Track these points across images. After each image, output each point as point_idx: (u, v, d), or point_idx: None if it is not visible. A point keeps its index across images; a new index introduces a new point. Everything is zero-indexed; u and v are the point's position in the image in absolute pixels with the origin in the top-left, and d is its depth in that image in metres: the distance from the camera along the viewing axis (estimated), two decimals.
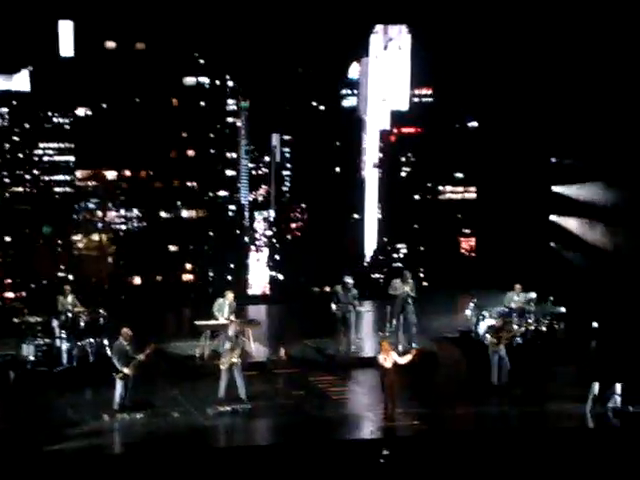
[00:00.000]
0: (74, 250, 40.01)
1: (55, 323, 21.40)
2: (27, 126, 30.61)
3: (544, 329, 24.07)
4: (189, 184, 31.76)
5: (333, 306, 22.97)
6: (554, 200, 30.10)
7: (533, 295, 24.20)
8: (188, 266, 31.72)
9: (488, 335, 21.40)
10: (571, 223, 29.51)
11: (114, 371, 18.45)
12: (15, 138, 30.76)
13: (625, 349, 20.53)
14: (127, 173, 31.63)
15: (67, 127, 30.67)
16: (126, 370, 18.29)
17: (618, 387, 19.03)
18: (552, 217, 30.21)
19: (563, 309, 25.13)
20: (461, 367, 22.24)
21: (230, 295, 22.19)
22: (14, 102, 30.10)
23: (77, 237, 32.79)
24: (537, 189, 29.99)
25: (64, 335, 21.23)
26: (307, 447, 17.24)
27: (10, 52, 28.20)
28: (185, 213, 31.90)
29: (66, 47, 29.82)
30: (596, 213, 28.30)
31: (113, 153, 31.11)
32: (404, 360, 18.59)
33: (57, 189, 30.82)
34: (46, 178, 30.62)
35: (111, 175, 31.42)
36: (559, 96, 28.07)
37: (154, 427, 18.17)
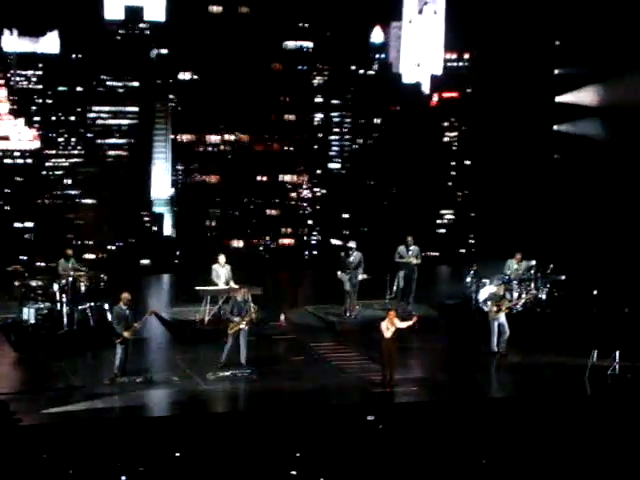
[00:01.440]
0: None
1: (55, 287, 21.42)
2: (80, 89, 30.30)
3: (544, 297, 24.12)
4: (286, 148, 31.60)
5: (338, 272, 23.03)
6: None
7: (533, 262, 24.21)
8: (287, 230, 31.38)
9: (488, 303, 21.45)
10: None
11: (114, 335, 18.50)
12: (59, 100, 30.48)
13: (624, 317, 20.55)
14: (229, 137, 31.46)
15: (120, 91, 30.34)
16: (126, 334, 18.33)
17: (617, 355, 19.08)
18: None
19: (563, 277, 25.17)
20: (460, 334, 22.26)
21: (222, 259, 22.02)
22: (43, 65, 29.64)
23: None
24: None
25: (64, 299, 21.26)
26: (306, 412, 17.31)
27: (37, 13, 27.96)
28: (286, 177, 31.72)
29: (111, 10, 29.59)
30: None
31: (214, 117, 30.90)
32: (404, 324, 18.66)
33: (110, 152, 30.60)
34: (99, 141, 30.40)
35: (214, 139, 31.22)
36: None
37: (153, 391, 18.26)
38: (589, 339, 20.21)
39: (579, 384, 19.08)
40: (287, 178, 31.38)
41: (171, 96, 31.08)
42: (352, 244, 23.58)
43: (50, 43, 28.77)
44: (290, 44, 30.42)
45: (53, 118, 29.89)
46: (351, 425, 16.31)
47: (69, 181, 32.81)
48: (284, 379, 19.24)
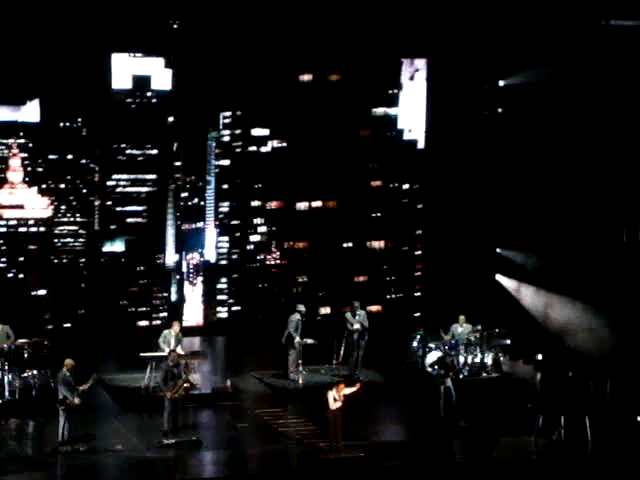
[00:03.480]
0: None
1: None
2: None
3: (489, 361, 24.24)
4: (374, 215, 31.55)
5: (288, 336, 23.00)
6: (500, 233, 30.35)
7: (478, 327, 24.38)
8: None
9: (434, 367, 21.50)
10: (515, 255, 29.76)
11: (58, 402, 18.20)
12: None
13: (569, 382, 20.70)
14: (317, 204, 31.29)
15: (140, 159, 30.29)
16: (76, 400, 18.03)
17: (562, 420, 19.18)
18: (499, 250, 30.43)
19: (508, 341, 25.36)
20: (408, 399, 22.23)
21: (176, 326, 22.09)
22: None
23: None
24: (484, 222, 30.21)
25: (6, 367, 20.91)
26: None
27: (16, 81, 27.75)
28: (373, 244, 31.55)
29: (119, 79, 29.60)
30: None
31: (302, 184, 30.77)
32: (349, 391, 18.51)
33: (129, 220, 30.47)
34: (118, 209, 30.25)
35: (303, 206, 31.06)
36: None
37: (98, 460, 17.95)
38: (534, 404, 20.31)
39: (526, 449, 19.14)
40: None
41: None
42: (301, 307, 23.56)
43: (31, 112, 28.81)
44: (379, 111, 30.67)
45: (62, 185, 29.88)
46: None
47: None
48: (229, 446, 19.08)
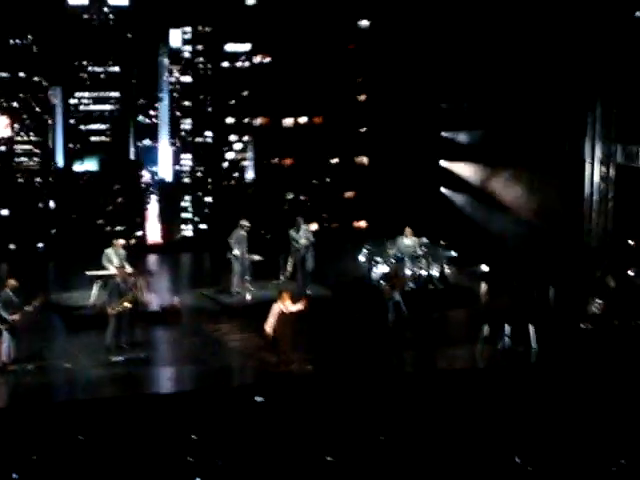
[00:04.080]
0: None
1: None
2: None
3: (436, 273, 24.46)
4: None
5: (237, 252, 22.94)
6: (443, 145, 30.41)
7: (424, 240, 24.52)
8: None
9: (382, 282, 21.62)
10: (459, 167, 29.89)
11: (0, 322, 18.07)
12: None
13: (513, 291, 20.94)
14: (303, 120, 30.50)
15: (102, 77, 29.54)
16: (14, 317, 17.91)
17: (507, 328, 19.46)
18: (442, 162, 30.53)
19: (454, 253, 25.58)
20: (355, 313, 22.35)
21: (119, 243, 21.86)
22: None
23: None
24: (427, 134, 30.20)
25: None
26: (200, 394, 17.19)
27: None
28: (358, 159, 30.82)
29: None
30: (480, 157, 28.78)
31: (288, 100, 29.92)
32: (294, 308, 18.53)
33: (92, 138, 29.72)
34: (82, 127, 29.52)
35: (288, 122, 30.27)
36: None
37: (45, 379, 17.92)
38: (480, 314, 20.58)
39: (472, 358, 19.44)
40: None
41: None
42: (244, 222, 23.45)
43: None
44: (364, 23, 29.85)
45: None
46: (242, 404, 16.22)
47: None
48: (179, 361, 19.13)
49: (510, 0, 26.14)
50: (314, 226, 27.70)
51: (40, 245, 29.27)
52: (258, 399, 16.25)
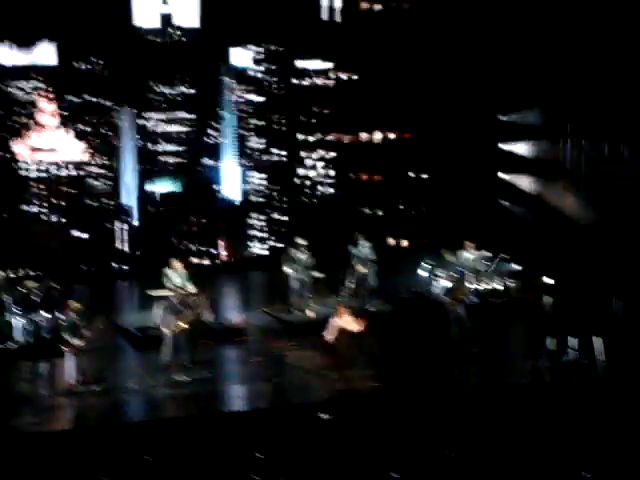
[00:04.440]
0: None
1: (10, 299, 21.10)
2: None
3: (499, 287, 24.23)
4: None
5: (289, 270, 22.94)
6: (502, 158, 30.18)
7: (485, 253, 24.31)
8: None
9: (444, 296, 21.47)
10: (520, 180, 29.62)
11: (63, 345, 18.28)
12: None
13: (579, 304, 20.67)
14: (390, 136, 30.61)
15: (170, 97, 29.92)
16: (76, 342, 18.11)
17: (572, 341, 19.21)
18: (500, 174, 30.28)
19: (517, 266, 25.32)
20: (417, 328, 22.22)
21: (176, 264, 21.79)
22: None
23: None
24: (485, 146, 30.00)
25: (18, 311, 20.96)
26: (269, 412, 17.21)
27: (26, 21, 27.06)
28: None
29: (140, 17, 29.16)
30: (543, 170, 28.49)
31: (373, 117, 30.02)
32: (352, 326, 18.42)
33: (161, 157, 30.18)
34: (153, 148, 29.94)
35: (377, 138, 30.42)
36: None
37: (111, 399, 18.07)
38: (544, 327, 20.36)
39: (537, 372, 19.22)
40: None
41: None
42: (301, 241, 23.45)
43: (45, 54, 28.26)
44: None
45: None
46: (312, 421, 16.21)
47: None
48: (243, 380, 19.17)
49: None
50: (391, 241, 27.57)
51: (115, 265, 29.53)
52: (323, 416, 16.23)
